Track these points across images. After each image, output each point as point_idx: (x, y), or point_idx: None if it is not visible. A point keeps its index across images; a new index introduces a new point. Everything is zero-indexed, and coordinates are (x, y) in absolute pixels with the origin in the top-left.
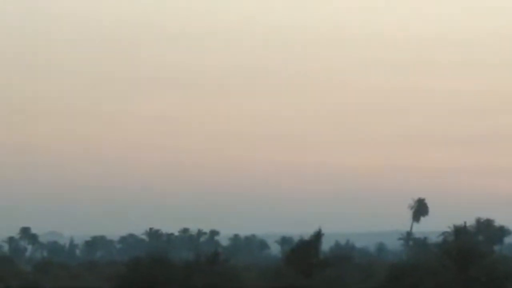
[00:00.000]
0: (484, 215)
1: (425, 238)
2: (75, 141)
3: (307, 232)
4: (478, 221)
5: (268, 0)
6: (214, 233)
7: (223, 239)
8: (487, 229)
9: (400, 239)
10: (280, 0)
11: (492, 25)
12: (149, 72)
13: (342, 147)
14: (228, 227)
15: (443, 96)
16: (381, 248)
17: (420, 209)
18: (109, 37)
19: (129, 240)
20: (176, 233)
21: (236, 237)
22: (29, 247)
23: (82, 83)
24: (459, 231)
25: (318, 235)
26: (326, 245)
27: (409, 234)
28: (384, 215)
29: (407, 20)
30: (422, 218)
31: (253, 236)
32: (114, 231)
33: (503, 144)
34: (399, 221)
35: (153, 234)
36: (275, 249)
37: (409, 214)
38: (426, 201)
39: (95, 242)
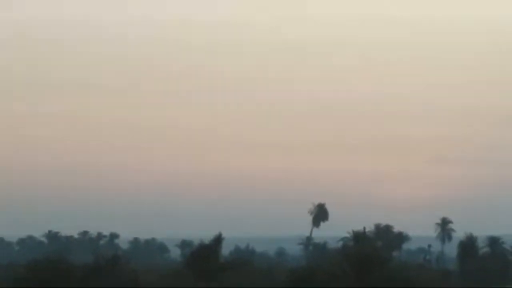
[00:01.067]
0: (383, 221)
1: (325, 243)
2: None
3: (207, 236)
4: (377, 226)
5: None
6: (113, 236)
7: (123, 242)
8: (386, 235)
9: (300, 244)
10: None
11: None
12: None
13: (243, 151)
14: (128, 230)
15: (333, 103)
16: (281, 252)
17: (320, 214)
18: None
19: (28, 242)
20: (76, 236)
21: (136, 240)
22: None
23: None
24: (359, 237)
25: (218, 239)
26: (226, 249)
27: (309, 239)
28: (284, 219)
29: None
30: (322, 223)
31: (153, 239)
32: (12, 233)
33: (402, 150)
34: (299, 226)
35: (52, 236)
36: (175, 253)
37: (309, 219)
38: (326, 206)
39: None
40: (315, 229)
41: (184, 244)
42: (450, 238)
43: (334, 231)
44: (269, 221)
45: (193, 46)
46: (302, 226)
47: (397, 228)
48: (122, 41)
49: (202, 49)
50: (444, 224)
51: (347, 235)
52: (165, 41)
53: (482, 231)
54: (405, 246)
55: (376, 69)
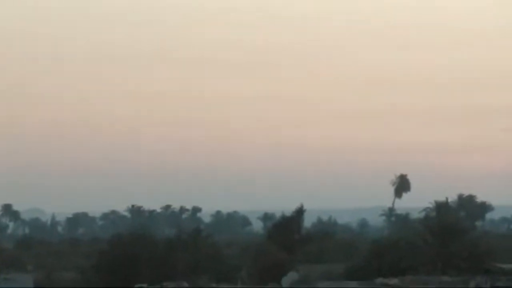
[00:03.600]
0: (466, 191)
1: (407, 214)
2: (51, 118)
3: (289, 208)
4: (460, 197)
5: None
6: (196, 209)
7: (205, 216)
8: (469, 205)
9: (382, 215)
10: None
11: None
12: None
13: (325, 123)
14: (210, 203)
15: (427, 72)
16: (363, 224)
17: (402, 185)
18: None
19: (111, 216)
20: (158, 210)
21: (218, 214)
22: (11, 224)
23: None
24: (441, 207)
25: (300, 211)
26: (308, 221)
27: (391, 210)
28: (367, 191)
29: None
30: (404, 194)
31: (235, 212)
32: (96, 208)
33: (485, 121)
34: (381, 197)
35: (135, 210)
36: (257, 226)
37: (391, 190)
38: (408, 177)
39: (77, 219)
40: (397, 200)
41: (266, 217)
42: None
43: (416, 202)
44: (352, 193)
45: None
46: (384, 197)
47: (480, 198)
48: None
49: None
50: None
51: (430, 205)
52: None
53: None
54: (489, 216)
55: (454, 35)
